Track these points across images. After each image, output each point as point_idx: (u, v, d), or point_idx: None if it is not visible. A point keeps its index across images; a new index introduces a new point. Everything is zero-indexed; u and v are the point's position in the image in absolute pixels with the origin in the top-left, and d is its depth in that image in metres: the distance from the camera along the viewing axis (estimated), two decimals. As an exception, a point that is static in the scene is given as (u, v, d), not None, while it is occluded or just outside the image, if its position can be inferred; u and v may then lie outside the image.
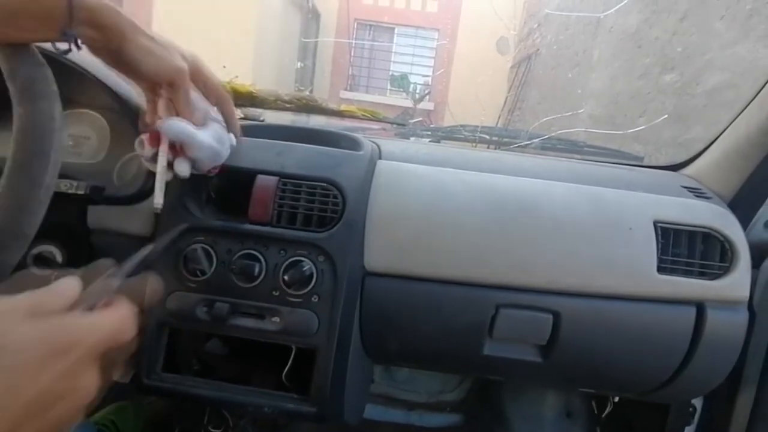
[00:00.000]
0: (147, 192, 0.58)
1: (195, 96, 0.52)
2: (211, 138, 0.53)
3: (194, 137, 0.50)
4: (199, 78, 0.52)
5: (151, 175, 0.52)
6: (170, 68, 0.47)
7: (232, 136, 0.58)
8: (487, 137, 1.04)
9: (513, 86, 5.10)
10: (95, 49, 0.44)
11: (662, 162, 0.86)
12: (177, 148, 0.51)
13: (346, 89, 6.37)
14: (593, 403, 1.02)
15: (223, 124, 0.57)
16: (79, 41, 0.41)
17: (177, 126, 0.49)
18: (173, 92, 0.49)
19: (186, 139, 0.50)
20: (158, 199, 0.50)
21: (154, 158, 0.50)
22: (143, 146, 0.50)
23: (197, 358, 0.65)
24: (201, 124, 0.52)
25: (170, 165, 0.51)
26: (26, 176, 0.38)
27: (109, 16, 0.42)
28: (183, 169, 0.52)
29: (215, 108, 0.56)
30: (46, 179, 0.39)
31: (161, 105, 0.52)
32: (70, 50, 0.41)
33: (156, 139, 0.49)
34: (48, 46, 0.41)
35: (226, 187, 0.62)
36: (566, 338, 0.60)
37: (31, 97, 0.39)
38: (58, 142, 0.40)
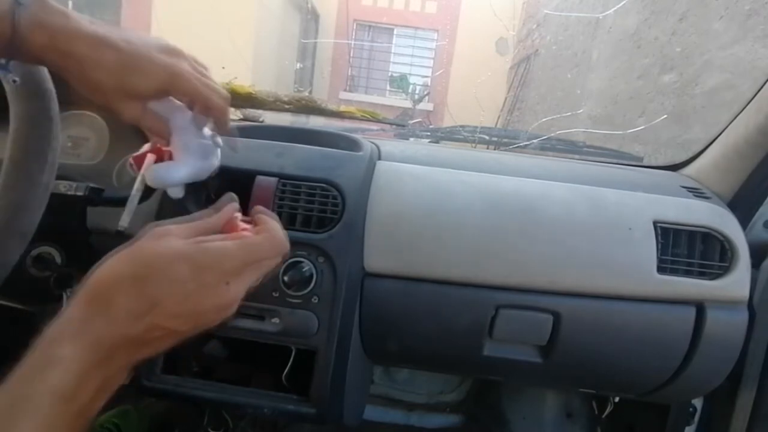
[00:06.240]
0: (146, 193, 0.58)
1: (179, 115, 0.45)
2: (192, 167, 0.49)
3: (175, 181, 0.49)
4: (183, 93, 0.43)
5: None
6: (126, 117, 0.41)
7: (219, 140, 0.51)
8: (487, 138, 1.04)
9: (512, 87, 5.11)
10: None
11: (662, 162, 0.86)
12: (165, 157, 0.48)
13: (345, 90, 6.37)
14: (593, 404, 1.02)
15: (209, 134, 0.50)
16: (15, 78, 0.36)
17: (159, 177, 0.47)
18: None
19: (167, 185, 0.49)
20: (124, 220, 0.48)
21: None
22: (133, 169, 0.49)
23: (197, 359, 0.65)
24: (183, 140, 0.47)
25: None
26: (24, 175, 0.38)
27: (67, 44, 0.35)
28: (176, 192, 0.51)
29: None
30: (43, 178, 0.39)
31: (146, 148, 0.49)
32: (15, 81, 0.37)
33: (143, 162, 0.49)
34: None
35: (225, 188, 0.61)
36: (566, 339, 0.60)
37: (28, 97, 0.38)
38: (55, 141, 0.39)
